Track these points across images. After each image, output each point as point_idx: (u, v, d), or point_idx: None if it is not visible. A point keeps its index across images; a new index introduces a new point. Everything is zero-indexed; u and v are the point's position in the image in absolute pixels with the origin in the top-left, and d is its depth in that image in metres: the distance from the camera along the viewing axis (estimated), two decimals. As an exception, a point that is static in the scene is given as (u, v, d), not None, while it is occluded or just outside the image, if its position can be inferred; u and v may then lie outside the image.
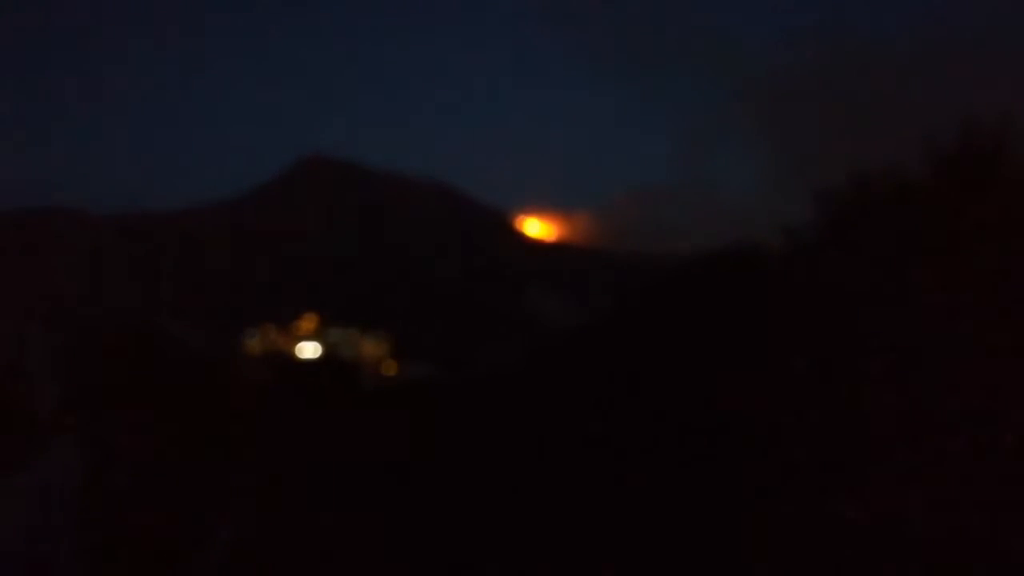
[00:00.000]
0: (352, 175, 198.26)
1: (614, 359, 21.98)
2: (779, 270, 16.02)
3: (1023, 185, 12.94)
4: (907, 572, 10.70)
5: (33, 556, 18.41)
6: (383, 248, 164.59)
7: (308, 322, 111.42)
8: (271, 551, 19.36)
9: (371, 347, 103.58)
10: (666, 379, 18.25)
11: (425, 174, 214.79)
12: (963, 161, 13.15)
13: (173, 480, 23.61)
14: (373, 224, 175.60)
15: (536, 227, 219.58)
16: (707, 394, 15.27)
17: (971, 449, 10.76)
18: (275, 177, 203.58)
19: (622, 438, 17.81)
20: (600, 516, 16.11)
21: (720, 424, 14.30)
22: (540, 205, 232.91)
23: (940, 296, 11.88)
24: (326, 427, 31.13)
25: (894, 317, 12.18)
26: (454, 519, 18.85)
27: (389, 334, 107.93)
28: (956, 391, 11.40)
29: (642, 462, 16.74)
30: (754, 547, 12.13)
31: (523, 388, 26.73)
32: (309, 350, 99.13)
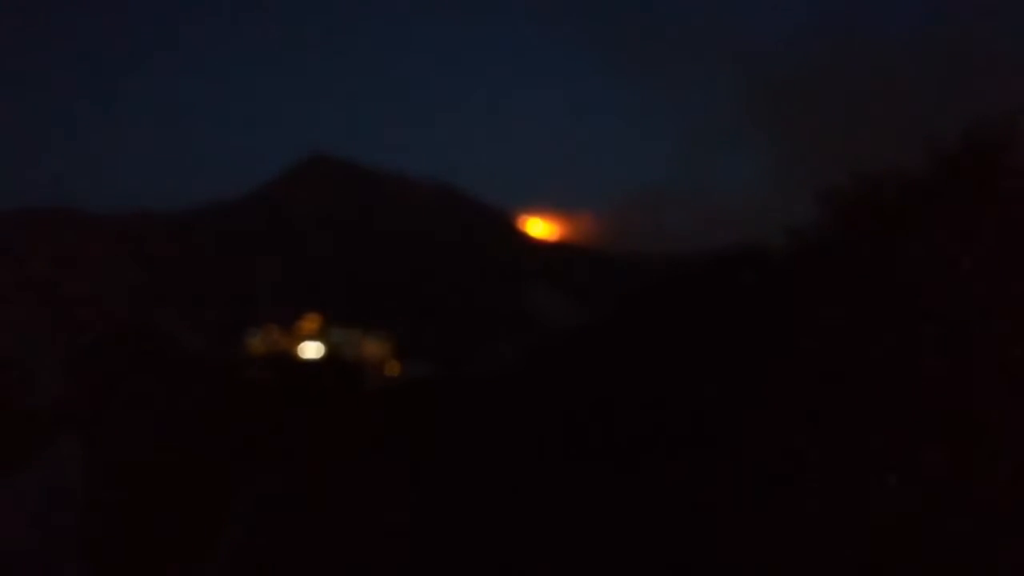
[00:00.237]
0: (354, 174, 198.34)
1: (614, 359, 21.97)
2: (782, 269, 16.01)
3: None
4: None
5: (38, 553, 18.44)
6: (385, 248, 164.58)
7: (310, 322, 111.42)
8: (274, 550, 19.35)
9: (373, 347, 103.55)
10: (666, 378, 18.24)
11: (427, 174, 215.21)
12: (965, 160, 13.15)
13: (175, 480, 23.60)
14: (375, 224, 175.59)
15: (537, 227, 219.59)
16: (707, 393, 15.27)
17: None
18: (277, 176, 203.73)
19: (622, 438, 17.79)
20: (599, 516, 16.08)
21: (720, 422, 14.30)
22: (541, 205, 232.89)
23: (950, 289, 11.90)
24: (328, 427, 31.10)
25: (900, 312, 12.19)
26: (454, 518, 18.84)
27: (391, 334, 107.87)
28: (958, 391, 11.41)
29: (642, 461, 16.72)
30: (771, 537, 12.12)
31: (523, 388, 26.74)
32: (312, 350, 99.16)
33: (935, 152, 13.53)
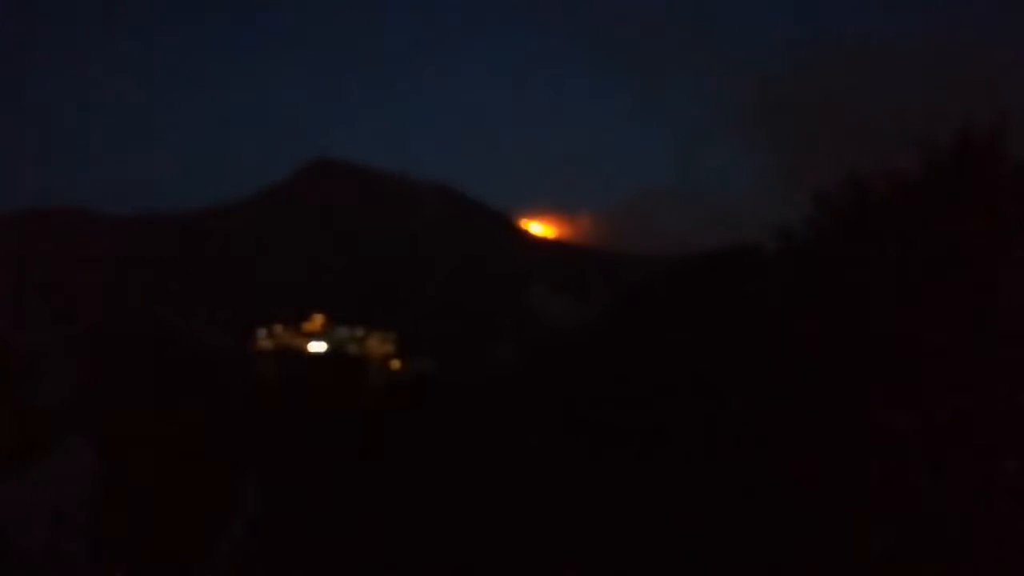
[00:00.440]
0: (358, 177, 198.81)
1: (614, 359, 22.18)
2: (778, 269, 16.22)
3: (1017, 185, 13.16)
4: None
5: (49, 550, 18.73)
6: (388, 248, 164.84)
7: (316, 321, 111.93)
8: (275, 550, 19.63)
9: (377, 345, 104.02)
10: (666, 378, 18.47)
11: (430, 176, 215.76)
12: (958, 163, 13.36)
13: (182, 477, 23.87)
14: (377, 224, 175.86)
15: (538, 228, 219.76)
16: (707, 393, 15.47)
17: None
18: (282, 179, 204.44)
19: (622, 436, 18.02)
20: (600, 514, 16.31)
21: (720, 422, 14.52)
22: (542, 206, 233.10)
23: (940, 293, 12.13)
24: (331, 426, 31.34)
25: (895, 313, 12.39)
26: (454, 518, 19.07)
27: (394, 332, 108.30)
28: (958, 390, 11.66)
29: (642, 460, 16.95)
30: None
31: (523, 388, 26.93)
32: (317, 348, 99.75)
33: (927, 154, 13.70)
